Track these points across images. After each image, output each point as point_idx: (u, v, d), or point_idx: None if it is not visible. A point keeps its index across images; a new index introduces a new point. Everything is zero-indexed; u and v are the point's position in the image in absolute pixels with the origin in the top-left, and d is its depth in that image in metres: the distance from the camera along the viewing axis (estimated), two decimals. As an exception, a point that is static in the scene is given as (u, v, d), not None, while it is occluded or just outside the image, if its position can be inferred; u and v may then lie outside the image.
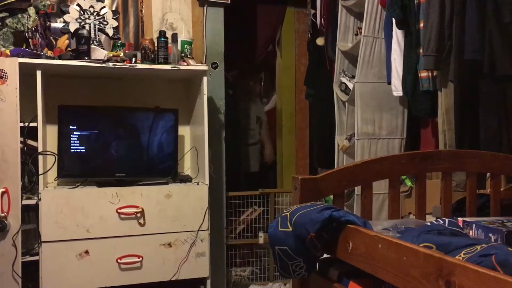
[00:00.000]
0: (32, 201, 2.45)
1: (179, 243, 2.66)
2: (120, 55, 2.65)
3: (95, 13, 2.81)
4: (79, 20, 2.76)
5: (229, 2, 3.19)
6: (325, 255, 1.41)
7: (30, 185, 2.52)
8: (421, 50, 2.22)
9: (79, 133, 2.64)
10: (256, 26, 4.11)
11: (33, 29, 2.60)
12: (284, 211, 1.42)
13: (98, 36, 2.79)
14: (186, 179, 2.82)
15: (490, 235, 1.35)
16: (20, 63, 2.39)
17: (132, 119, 2.79)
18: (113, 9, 2.96)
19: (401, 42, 2.46)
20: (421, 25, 2.21)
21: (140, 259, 2.58)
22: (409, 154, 1.73)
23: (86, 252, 2.50)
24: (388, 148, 2.82)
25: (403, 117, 2.84)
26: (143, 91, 2.99)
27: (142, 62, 2.66)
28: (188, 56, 2.87)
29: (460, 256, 1.05)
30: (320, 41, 3.57)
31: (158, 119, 2.80)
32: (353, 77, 2.95)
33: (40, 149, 2.49)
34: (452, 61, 2.04)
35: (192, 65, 2.75)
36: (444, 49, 2.08)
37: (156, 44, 2.70)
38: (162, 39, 2.68)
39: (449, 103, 2.17)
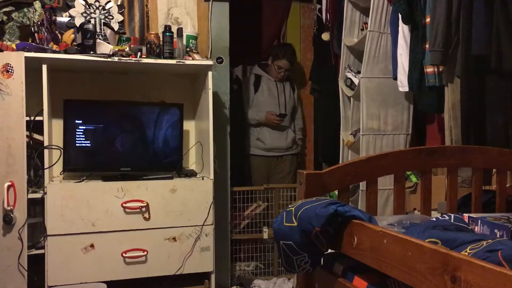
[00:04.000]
0: (38, 195, 2.47)
1: (183, 238, 2.67)
2: (126, 50, 2.65)
3: (100, 8, 2.81)
4: (84, 15, 2.76)
5: (234, -4, 3.18)
6: (329, 250, 1.41)
7: (36, 178, 2.54)
8: (427, 45, 2.20)
9: (84, 127, 2.65)
10: (261, 21, 4.09)
11: (39, 23, 2.61)
12: (289, 206, 1.42)
13: (104, 30, 2.79)
14: (191, 174, 2.83)
15: (496, 231, 1.34)
16: (26, 57, 2.40)
17: (137, 114, 2.80)
18: (119, 3, 2.96)
19: (407, 37, 2.44)
20: (428, 20, 2.19)
21: (145, 253, 2.59)
22: (415, 150, 1.72)
23: (92, 245, 2.51)
24: (393, 144, 2.81)
25: (409, 112, 2.83)
26: (148, 85, 2.99)
27: (147, 57, 2.66)
28: (194, 50, 2.86)
29: (465, 251, 1.05)
30: (325, 36, 3.56)
31: (163, 113, 2.80)
32: (359, 72, 2.94)
33: (46, 143, 2.50)
34: (459, 56, 2.03)
35: (197, 60, 2.75)
36: (451, 44, 2.07)
37: (161, 39, 2.70)
38: (167, 33, 2.68)
39: (455, 98, 2.16)
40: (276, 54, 3.70)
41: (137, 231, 2.59)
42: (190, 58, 2.75)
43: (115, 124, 2.75)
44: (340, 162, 3.03)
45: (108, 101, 2.81)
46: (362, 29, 3.09)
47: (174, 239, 2.65)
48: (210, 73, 2.75)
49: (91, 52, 2.53)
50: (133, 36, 2.96)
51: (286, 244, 1.36)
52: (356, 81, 2.97)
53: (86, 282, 2.50)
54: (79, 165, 2.69)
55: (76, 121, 2.63)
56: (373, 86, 2.79)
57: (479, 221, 1.41)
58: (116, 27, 2.85)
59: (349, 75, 3.07)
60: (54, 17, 2.71)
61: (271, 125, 3.65)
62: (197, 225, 2.69)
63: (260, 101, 3.68)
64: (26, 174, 2.42)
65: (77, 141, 2.64)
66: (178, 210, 2.65)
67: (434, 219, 1.45)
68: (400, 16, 2.41)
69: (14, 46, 2.48)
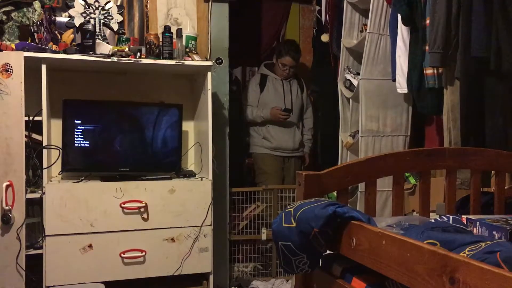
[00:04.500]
0: (36, 195, 2.46)
1: (182, 238, 2.66)
2: (125, 50, 2.65)
3: (100, 8, 2.81)
4: (84, 15, 2.76)
5: (234, -3, 3.18)
6: (328, 251, 1.41)
7: (34, 178, 2.53)
8: (427, 47, 2.20)
9: (83, 127, 2.64)
10: (261, 22, 4.10)
11: (38, 23, 2.61)
12: (288, 206, 1.41)
13: (103, 30, 2.79)
14: (190, 175, 2.83)
15: (494, 233, 1.34)
16: (25, 57, 2.39)
17: (136, 114, 2.79)
18: (118, 3, 2.96)
19: (406, 39, 2.45)
20: (427, 21, 2.20)
21: (144, 253, 2.59)
22: (414, 151, 1.72)
23: (90, 246, 2.51)
24: (392, 145, 2.81)
25: (408, 114, 2.83)
26: (147, 86, 2.99)
27: (146, 57, 2.66)
28: (193, 51, 2.86)
29: (464, 253, 1.05)
30: (324, 38, 3.57)
31: (162, 114, 2.80)
32: (358, 74, 2.95)
33: (44, 143, 2.50)
34: (458, 58, 2.03)
35: (197, 61, 2.75)
36: (450, 45, 2.07)
37: (161, 39, 2.70)
38: (167, 34, 2.68)
39: (454, 100, 2.16)
40: (279, 51, 3.67)
41: (136, 232, 2.59)
42: (190, 59, 2.75)
43: (114, 125, 2.75)
44: (339, 163, 3.04)
45: (107, 101, 2.80)
46: (362, 31, 3.09)
47: (172, 239, 2.65)
48: (209, 74, 2.75)
49: (91, 52, 2.53)
50: (133, 36, 2.96)
51: (284, 245, 1.35)
52: (355, 82, 2.98)
53: (84, 283, 2.50)
54: (78, 165, 2.69)
55: (75, 121, 2.63)
56: (372, 87, 2.80)
57: (478, 223, 1.41)
58: (115, 27, 2.85)
59: (348, 76, 3.08)
60: (53, 17, 2.71)
61: (277, 121, 3.60)
62: (195, 226, 2.68)
63: (266, 100, 3.66)
64: (25, 174, 2.42)
65: (76, 141, 2.63)
66: (177, 210, 2.65)
67: (432, 220, 1.46)
68: (400, 17, 2.42)
69: (13, 45, 2.48)
